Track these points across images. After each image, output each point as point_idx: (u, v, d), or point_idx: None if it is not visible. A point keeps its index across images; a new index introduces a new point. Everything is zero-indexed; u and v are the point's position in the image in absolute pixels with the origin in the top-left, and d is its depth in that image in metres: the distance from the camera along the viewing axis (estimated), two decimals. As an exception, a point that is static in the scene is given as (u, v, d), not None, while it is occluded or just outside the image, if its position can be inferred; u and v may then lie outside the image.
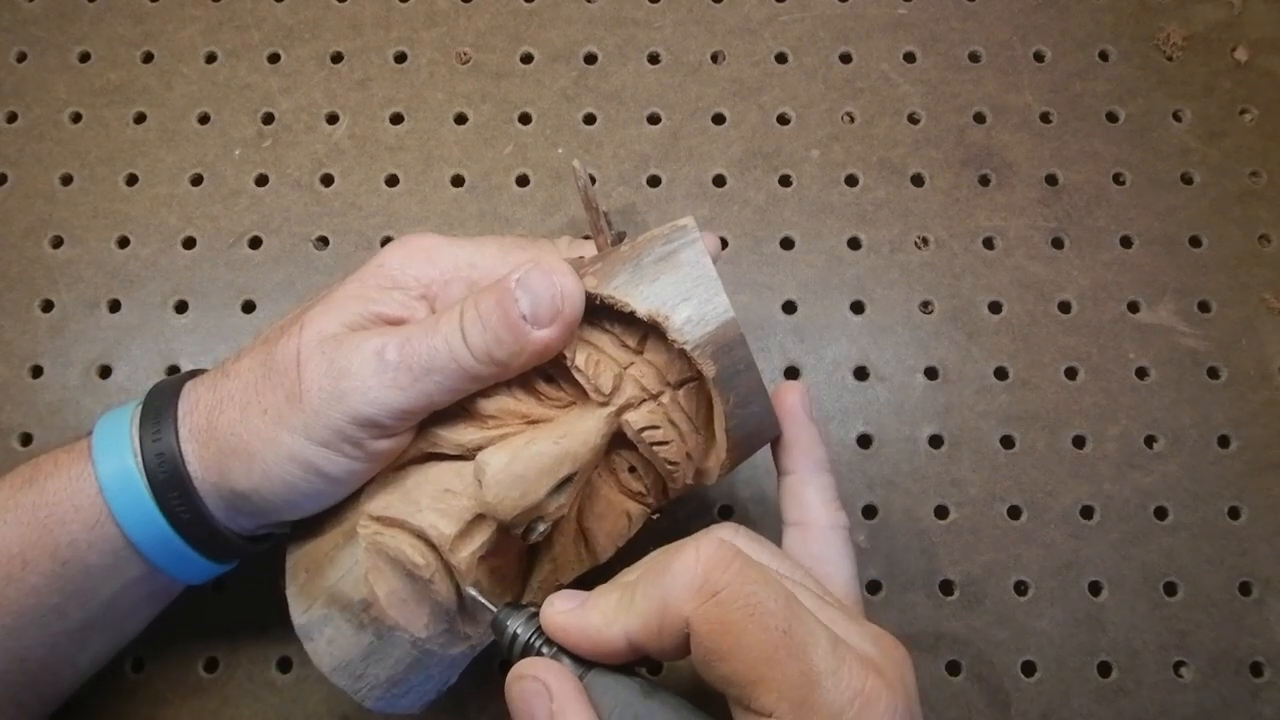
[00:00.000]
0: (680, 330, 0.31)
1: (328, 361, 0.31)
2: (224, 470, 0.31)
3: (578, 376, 0.32)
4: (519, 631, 0.30)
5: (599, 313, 0.33)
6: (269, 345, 0.33)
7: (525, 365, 0.31)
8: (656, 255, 0.32)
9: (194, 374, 0.35)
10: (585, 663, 0.28)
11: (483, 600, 0.31)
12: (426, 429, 0.33)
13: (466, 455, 0.32)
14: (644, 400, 0.32)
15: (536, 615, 0.30)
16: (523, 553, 0.34)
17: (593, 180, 0.45)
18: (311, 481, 0.31)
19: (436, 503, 0.32)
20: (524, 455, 0.30)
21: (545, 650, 0.29)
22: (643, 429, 0.32)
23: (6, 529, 0.32)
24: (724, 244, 0.46)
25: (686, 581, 0.26)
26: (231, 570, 0.36)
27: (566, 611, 0.29)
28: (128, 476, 0.31)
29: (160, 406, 0.32)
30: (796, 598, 0.27)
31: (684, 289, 0.32)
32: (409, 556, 0.31)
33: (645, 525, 0.35)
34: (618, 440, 0.33)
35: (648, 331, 0.33)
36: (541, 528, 0.31)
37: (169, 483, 0.31)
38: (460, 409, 0.33)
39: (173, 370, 0.44)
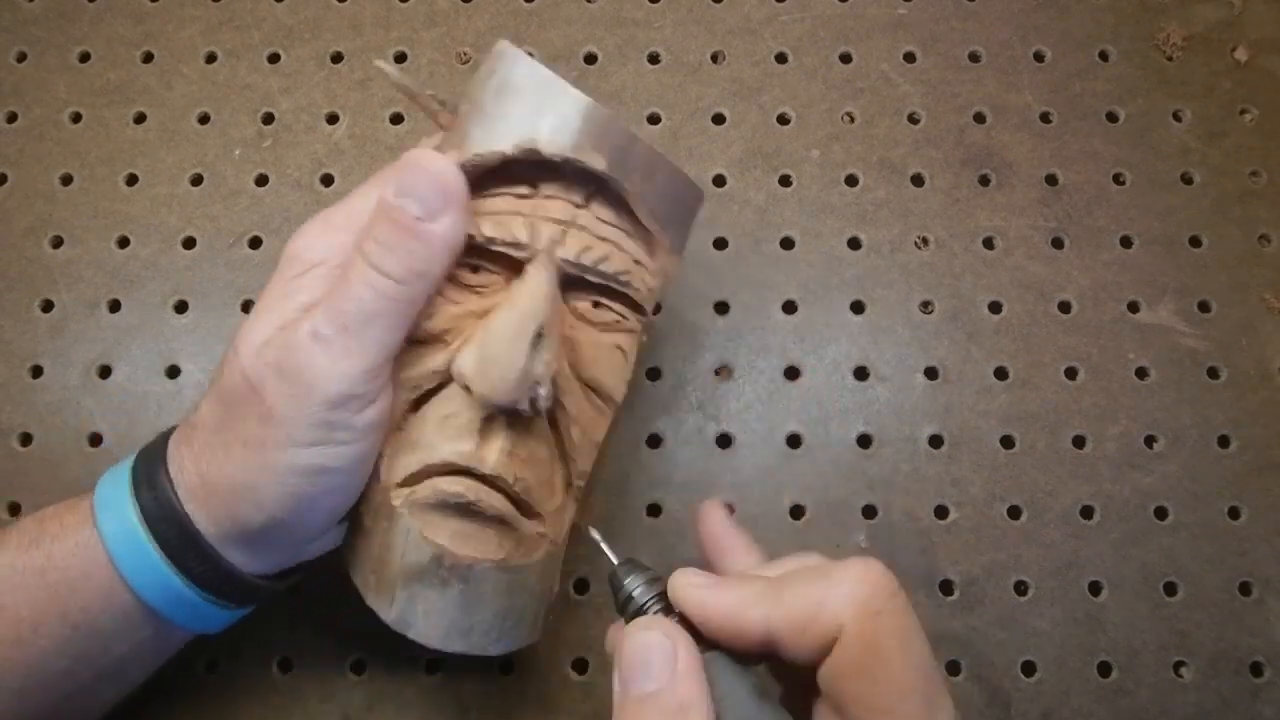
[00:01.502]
0: (551, 142, 0.31)
1: (275, 369, 0.30)
2: (235, 516, 0.31)
3: (494, 247, 0.31)
4: (636, 595, 0.29)
5: (482, 180, 0.32)
6: (217, 383, 0.32)
7: (447, 264, 0.31)
8: (492, 92, 0.32)
9: (170, 432, 0.34)
10: (705, 643, 0.28)
11: (605, 548, 0.31)
12: (399, 377, 0.32)
13: (446, 380, 0.32)
14: (565, 231, 0.32)
15: (657, 580, 0.29)
16: (546, 433, 0.34)
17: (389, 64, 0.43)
18: (320, 483, 0.31)
19: (443, 433, 0.32)
20: (486, 339, 0.30)
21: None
22: (578, 255, 0.32)
23: (16, 593, 0.31)
24: (724, 244, 0.46)
25: (850, 590, 0.26)
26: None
27: (704, 586, 0.28)
28: (137, 544, 0.31)
29: (153, 473, 0.32)
30: (935, 657, 0.27)
31: (535, 106, 0.31)
32: (448, 490, 0.31)
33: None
34: (570, 284, 0.33)
35: (533, 169, 0.32)
36: (543, 392, 0.31)
37: (181, 545, 0.31)
38: (415, 343, 0.32)
39: (173, 370, 0.44)
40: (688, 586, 0.28)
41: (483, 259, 0.32)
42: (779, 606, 0.27)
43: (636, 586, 0.29)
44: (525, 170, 0.32)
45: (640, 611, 0.29)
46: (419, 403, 0.33)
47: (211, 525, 0.31)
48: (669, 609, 0.29)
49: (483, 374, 0.30)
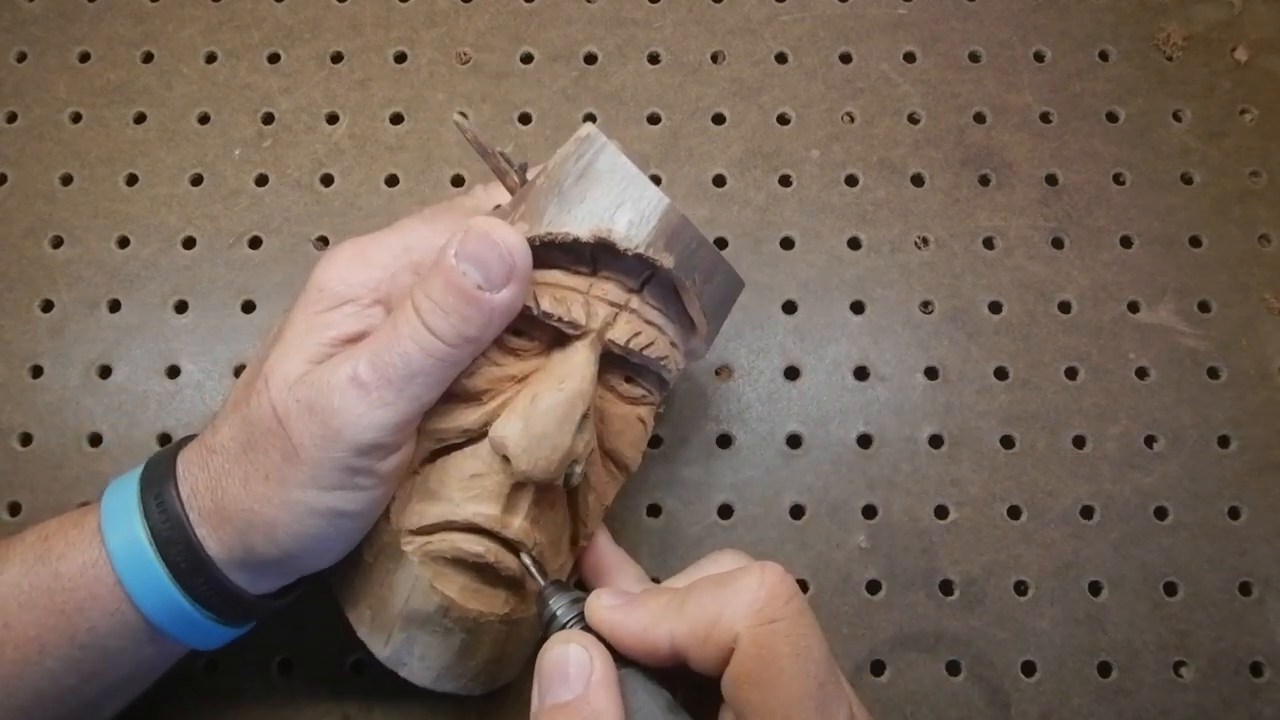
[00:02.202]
0: (627, 237, 0.31)
1: (306, 408, 0.30)
2: (248, 545, 0.31)
3: (549, 321, 0.32)
4: (559, 614, 0.30)
5: (543, 251, 0.32)
6: (240, 409, 0.31)
7: (497, 331, 0.31)
8: (574, 175, 0.32)
9: (183, 443, 0.33)
10: (621, 659, 0.28)
11: (533, 571, 0.32)
12: (425, 428, 0.33)
13: (475, 437, 0.33)
14: (617, 314, 0.33)
15: (580, 601, 0.30)
16: (564, 499, 0.35)
17: (465, 117, 0.44)
18: (338, 525, 0.31)
19: (468, 491, 0.32)
20: (536, 415, 0.30)
21: None
22: (627, 341, 0.33)
23: (23, 613, 0.31)
24: (724, 244, 0.46)
25: (747, 600, 0.27)
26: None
27: (614, 606, 0.29)
28: (148, 567, 0.31)
29: (162, 494, 0.31)
30: (833, 658, 0.27)
31: (614, 197, 0.32)
32: (468, 550, 0.32)
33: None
34: (609, 360, 0.34)
35: (594, 249, 0.33)
36: (579, 469, 0.31)
37: (191, 569, 0.31)
38: (450, 396, 0.32)
39: (173, 370, 0.44)
40: (601, 609, 0.29)
41: (531, 326, 0.33)
42: (682, 620, 0.27)
43: (560, 606, 0.30)
44: (588, 249, 0.33)
45: (562, 629, 0.30)
46: (440, 453, 0.33)
47: (222, 551, 0.31)
48: (589, 628, 0.29)
49: (527, 451, 0.30)
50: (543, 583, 0.31)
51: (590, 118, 0.48)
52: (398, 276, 0.32)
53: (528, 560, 0.32)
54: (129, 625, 0.31)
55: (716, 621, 0.27)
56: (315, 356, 0.31)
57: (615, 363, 0.34)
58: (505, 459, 0.31)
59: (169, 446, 0.34)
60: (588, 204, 0.32)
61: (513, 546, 0.32)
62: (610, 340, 0.32)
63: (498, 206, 0.35)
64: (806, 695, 0.26)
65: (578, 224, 0.32)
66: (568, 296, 0.32)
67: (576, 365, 0.31)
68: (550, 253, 0.33)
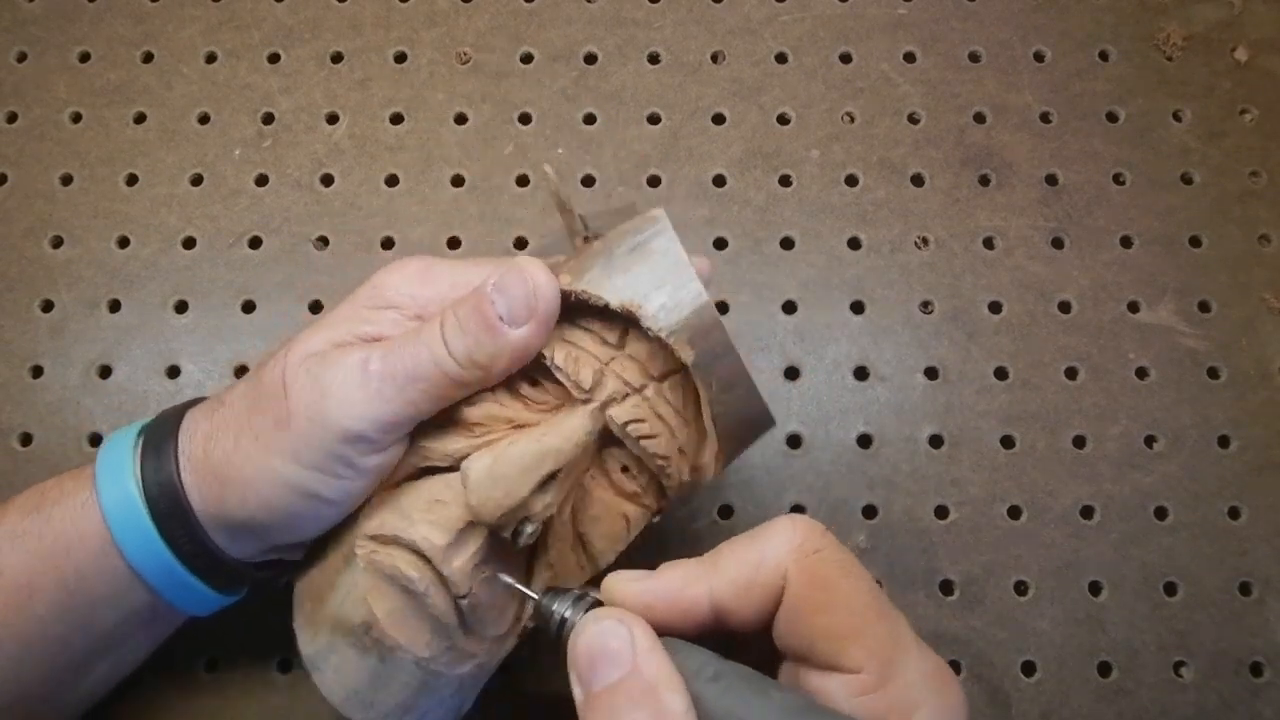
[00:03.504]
0: (654, 318, 0.31)
1: (312, 379, 0.31)
2: (221, 500, 0.31)
3: (558, 375, 0.32)
4: (568, 615, 0.28)
5: (577, 311, 0.32)
6: (259, 371, 0.32)
7: (507, 367, 0.31)
8: (628, 246, 0.32)
9: (196, 402, 0.34)
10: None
11: (520, 586, 0.31)
12: (416, 443, 0.33)
13: (456, 465, 0.32)
14: (627, 394, 0.32)
15: (584, 598, 0.29)
16: (520, 563, 0.33)
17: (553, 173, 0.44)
18: (308, 505, 0.31)
19: (427, 514, 0.31)
20: (505, 455, 0.30)
21: None
22: (628, 423, 0.32)
23: (14, 557, 0.31)
24: (724, 244, 0.46)
25: (786, 539, 0.27)
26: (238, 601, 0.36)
27: (639, 577, 0.28)
28: (131, 508, 0.31)
29: (161, 439, 0.32)
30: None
31: (656, 277, 0.32)
32: (403, 571, 0.31)
33: (647, 529, 0.34)
34: (608, 440, 0.33)
35: (627, 325, 0.32)
36: (530, 529, 0.30)
37: (171, 514, 0.31)
38: (447, 419, 0.32)
39: (173, 370, 0.44)
40: (624, 582, 0.28)
41: (546, 378, 0.33)
42: (719, 576, 0.27)
43: (566, 608, 0.29)
44: (619, 322, 0.32)
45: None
46: (425, 472, 0.33)
47: (201, 502, 0.32)
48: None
49: (482, 485, 0.29)
50: (535, 595, 0.30)
51: (590, 119, 0.48)
52: (446, 304, 0.33)
53: (509, 579, 0.31)
54: (114, 569, 0.32)
55: (760, 566, 0.27)
56: (341, 342, 0.32)
57: (616, 447, 0.33)
58: (465, 489, 0.30)
59: (179, 405, 0.34)
60: (630, 276, 0.32)
61: (446, 584, 0.31)
62: (611, 417, 0.31)
63: (558, 259, 0.35)
64: (868, 605, 0.26)
65: (613, 292, 0.31)
66: (584, 359, 0.32)
67: (566, 426, 0.31)
68: (583, 315, 0.33)
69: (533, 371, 0.32)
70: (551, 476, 0.30)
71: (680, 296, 0.31)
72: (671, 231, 0.32)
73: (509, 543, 0.31)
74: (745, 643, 0.28)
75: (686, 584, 0.27)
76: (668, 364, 0.32)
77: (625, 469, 0.33)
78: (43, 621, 0.32)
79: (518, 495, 0.29)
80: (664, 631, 0.27)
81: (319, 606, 0.33)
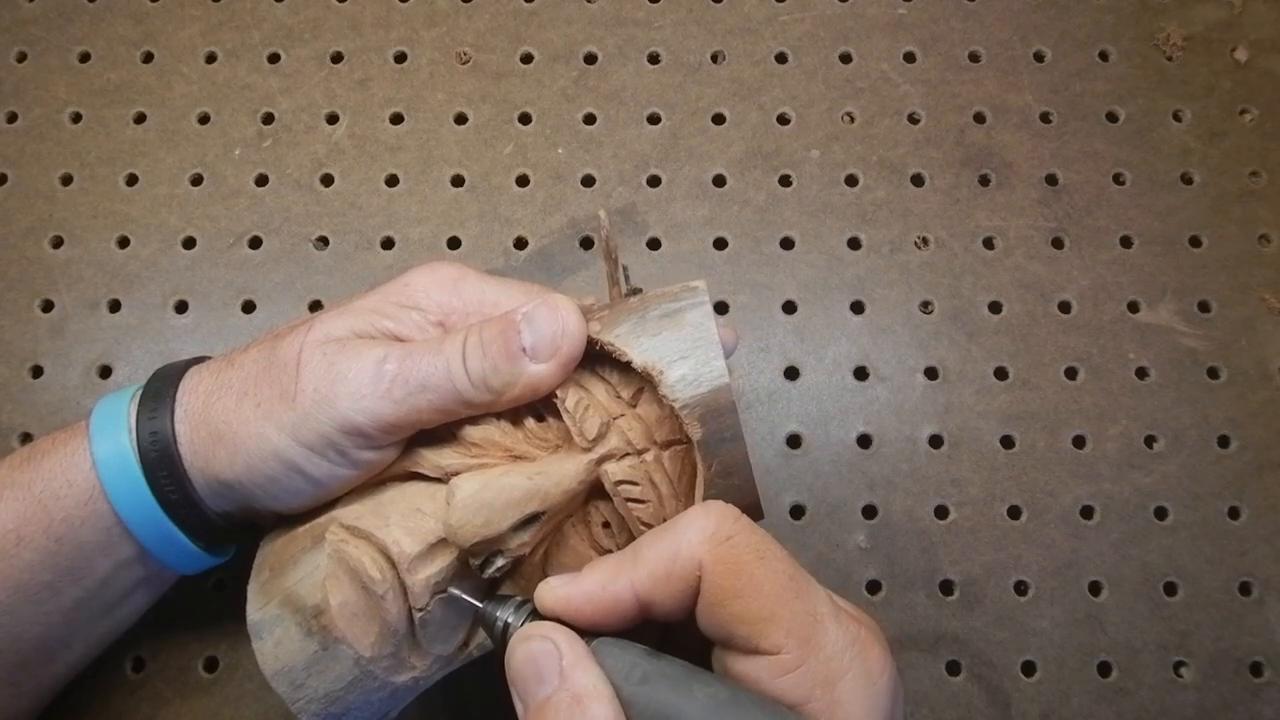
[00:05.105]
0: (672, 387, 0.31)
1: (327, 363, 0.31)
2: (210, 456, 0.32)
3: (565, 418, 0.32)
4: (510, 620, 0.29)
5: (599, 360, 0.33)
6: (277, 339, 0.33)
7: (518, 398, 0.31)
8: (662, 311, 0.32)
9: (202, 359, 0.35)
10: (586, 634, 0.28)
11: (466, 597, 0.31)
12: (412, 448, 0.33)
13: (444, 479, 0.32)
14: (627, 454, 0.32)
15: (525, 604, 0.29)
16: (482, 592, 0.33)
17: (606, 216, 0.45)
18: (293, 479, 0.32)
19: (405, 520, 0.32)
20: (495, 484, 0.30)
21: None
22: (620, 482, 0.32)
23: (2, 505, 0.32)
24: (724, 244, 0.46)
25: (699, 528, 0.28)
26: (227, 564, 0.36)
27: (564, 582, 0.29)
28: (121, 454, 0.32)
29: (161, 388, 0.33)
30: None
31: (683, 347, 0.31)
32: (366, 570, 0.31)
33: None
34: (597, 493, 0.33)
35: (643, 386, 0.32)
36: (500, 562, 0.30)
37: (159, 461, 0.32)
38: (447, 433, 0.33)
39: (173, 370, 0.44)
40: (551, 590, 0.29)
41: (552, 416, 0.33)
42: (639, 568, 0.28)
43: (508, 615, 0.29)
44: (636, 382, 0.32)
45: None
46: (413, 477, 0.33)
47: (190, 452, 0.32)
48: (544, 619, 0.29)
49: (464, 508, 0.30)
50: (479, 604, 0.30)
51: (590, 119, 0.48)
52: (471, 317, 0.34)
53: (457, 591, 0.31)
54: (102, 518, 0.32)
55: (675, 556, 0.27)
56: (363, 331, 0.32)
57: (603, 501, 0.33)
58: (448, 507, 0.30)
59: (184, 360, 0.35)
60: (658, 340, 0.32)
61: (405, 595, 0.31)
62: (606, 472, 0.31)
63: (591, 303, 0.35)
64: (782, 588, 0.27)
65: (638, 351, 0.31)
66: (594, 408, 0.32)
67: (560, 471, 0.31)
68: (604, 364, 0.33)
69: (541, 407, 0.33)
70: (535, 517, 0.30)
71: (702, 372, 0.31)
72: (709, 307, 0.32)
73: (477, 572, 0.31)
74: (683, 630, 0.29)
75: (608, 582, 0.28)
76: (674, 434, 0.32)
77: (606, 524, 0.33)
78: (31, 568, 0.32)
79: (497, 527, 0.30)
80: (597, 631, 0.28)
81: (277, 577, 0.33)
